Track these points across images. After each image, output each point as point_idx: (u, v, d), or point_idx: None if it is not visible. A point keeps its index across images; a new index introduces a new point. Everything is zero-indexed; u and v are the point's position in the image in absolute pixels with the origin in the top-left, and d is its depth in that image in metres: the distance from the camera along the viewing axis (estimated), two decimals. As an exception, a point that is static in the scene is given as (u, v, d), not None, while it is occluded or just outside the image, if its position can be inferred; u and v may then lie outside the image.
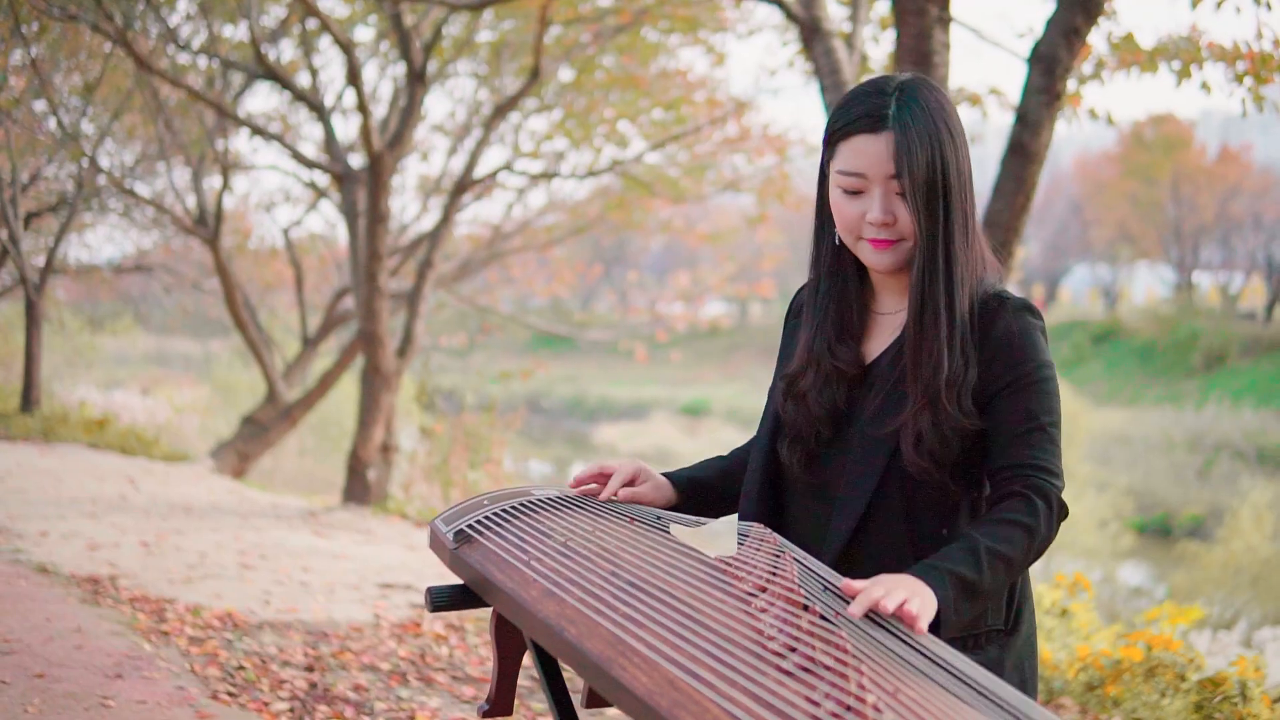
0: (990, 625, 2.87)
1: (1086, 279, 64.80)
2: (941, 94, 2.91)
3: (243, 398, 26.39)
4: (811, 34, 8.13)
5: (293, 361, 20.07)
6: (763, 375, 53.17)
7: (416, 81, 12.92)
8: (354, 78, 12.73)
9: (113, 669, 6.53)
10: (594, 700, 3.01)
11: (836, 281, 3.04)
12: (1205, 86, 10.40)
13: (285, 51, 17.09)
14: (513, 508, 3.03)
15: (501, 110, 14.16)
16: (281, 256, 22.17)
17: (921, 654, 2.24)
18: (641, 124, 17.81)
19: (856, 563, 2.80)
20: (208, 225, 17.07)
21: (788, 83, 24.53)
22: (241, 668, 6.84)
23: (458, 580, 3.01)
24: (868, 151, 2.86)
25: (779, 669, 2.13)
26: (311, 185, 19.07)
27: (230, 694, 6.37)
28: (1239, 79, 9.97)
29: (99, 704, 5.93)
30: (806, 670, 2.13)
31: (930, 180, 2.82)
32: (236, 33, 15.91)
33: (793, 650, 2.20)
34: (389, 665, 7.22)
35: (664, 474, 3.26)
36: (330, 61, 20.46)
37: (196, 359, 39.69)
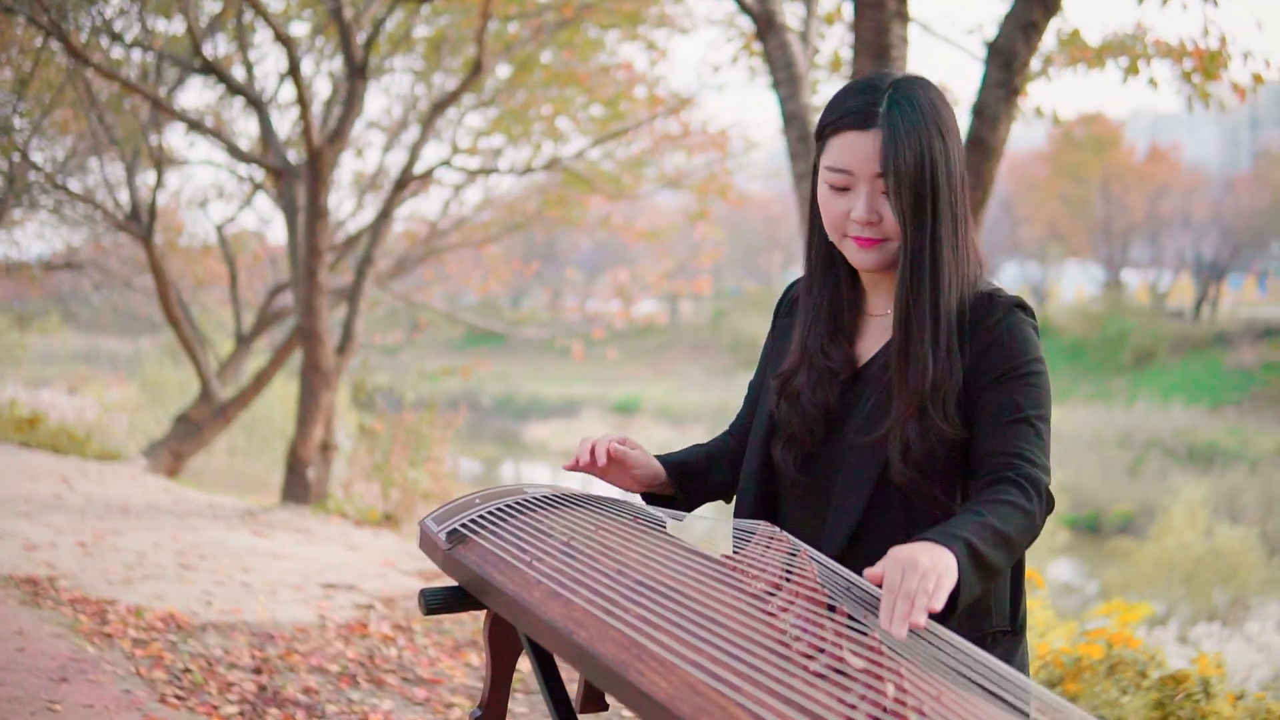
0: (996, 626, 2.81)
1: (1016, 277, 65.13)
2: (937, 92, 2.85)
3: (172, 396, 26.11)
4: (766, 27, 8.07)
5: (226, 360, 19.87)
6: (694, 372, 53.36)
7: (357, 75, 12.76)
8: (294, 71, 12.59)
9: (57, 672, 6.40)
10: (589, 704, 2.91)
11: (829, 280, 3.00)
12: (1153, 83, 10.42)
13: (220, 46, 16.86)
14: (507, 506, 2.92)
15: (442, 105, 14.05)
16: (214, 253, 21.92)
17: (956, 655, 2.15)
18: (580, 120, 17.72)
19: (853, 567, 2.72)
20: (141, 221, 16.82)
21: (731, 78, 24.53)
22: (188, 670, 6.72)
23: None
24: (855, 148, 2.80)
25: (807, 670, 2.04)
26: (249, 180, 18.89)
27: (178, 697, 6.25)
28: (1186, 76, 9.99)
29: (45, 708, 5.79)
30: (837, 673, 2.04)
31: (918, 181, 2.75)
32: (170, 26, 15.70)
33: (820, 651, 2.11)
34: (338, 667, 7.12)
35: (657, 456, 3.19)
36: (265, 56, 20.25)
37: (125, 357, 39.27)
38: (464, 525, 2.85)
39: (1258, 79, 9.57)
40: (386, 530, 12.20)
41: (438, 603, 2.84)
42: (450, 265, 22.53)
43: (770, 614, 2.27)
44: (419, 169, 16.28)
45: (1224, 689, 6.16)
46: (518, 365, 55.10)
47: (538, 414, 50.70)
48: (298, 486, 13.21)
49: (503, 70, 16.75)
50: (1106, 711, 6.35)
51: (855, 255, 2.86)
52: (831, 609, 2.28)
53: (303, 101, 12.61)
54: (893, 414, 2.77)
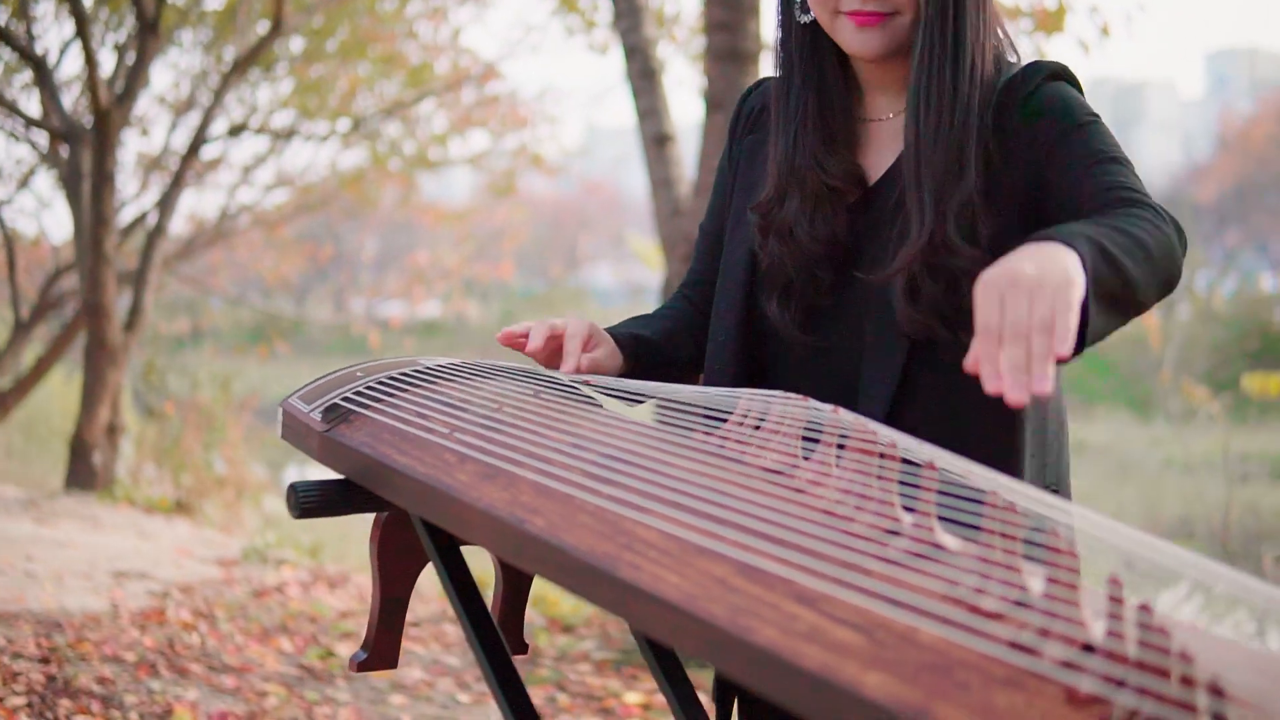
0: (1049, 483, 2.18)
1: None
2: None
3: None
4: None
5: (3, 348, 18.85)
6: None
7: (148, 32, 11.93)
8: (81, 26, 11.74)
9: None
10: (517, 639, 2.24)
11: (813, 74, 2.28)
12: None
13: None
14: (401, 375, 2.20)
15: (242, 64, 13.19)
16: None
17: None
18: (380, 93, 17.10)
19: None
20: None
21: (543, 41, 24.05)
22: (-31, 661, 6.03)
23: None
24: None
25: (885, 555, 1.41)
26: (33, 146, 17.81)
27: (-41, 689, 5.58)
28: (1030, 35, 9.81)
29: None
30: (933, 549, 1.42)
31: None
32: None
33: (897, 522, 1.48)
34: (135, 656, 6.47)
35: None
36: (46, 31, 19.20)
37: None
38: (346, 399, 2.14)
39: (1105, 31, 9.30)
40: (180, 518, 11.49)
41: (313, 500, 2.07)
42: (240, 250, 21.68)
43: (800, 489, 1.62)
44: (211, 141, 15.48)
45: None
46: (303, 369, 53.89)
47: (321, 419, 49.79)
48: (83, 472, 12.36)
49: (296, 44, 16.04)
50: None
51: (853, 38, 2.18)
52: (912, 464, 1.56)
53: (89, 59, 11.75)
54: (909, 254, 2.10)
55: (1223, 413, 14.11)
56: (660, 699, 6.20)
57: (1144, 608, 1.17)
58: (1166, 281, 1.92)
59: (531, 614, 7.61)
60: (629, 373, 2.37)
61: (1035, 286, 1.58)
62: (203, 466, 12.47)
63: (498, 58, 16.94)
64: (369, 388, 2.15)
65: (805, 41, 2.28)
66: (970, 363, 1.59)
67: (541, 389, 2.12)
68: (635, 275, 58.71)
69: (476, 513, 1.69)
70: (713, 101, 6.59)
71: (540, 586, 6.81)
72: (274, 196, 19.31)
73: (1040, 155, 2.12)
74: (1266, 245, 53.17)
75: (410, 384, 2.16)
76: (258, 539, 10.04)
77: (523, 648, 2.29)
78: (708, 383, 2.34)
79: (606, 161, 69.67)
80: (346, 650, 6.93)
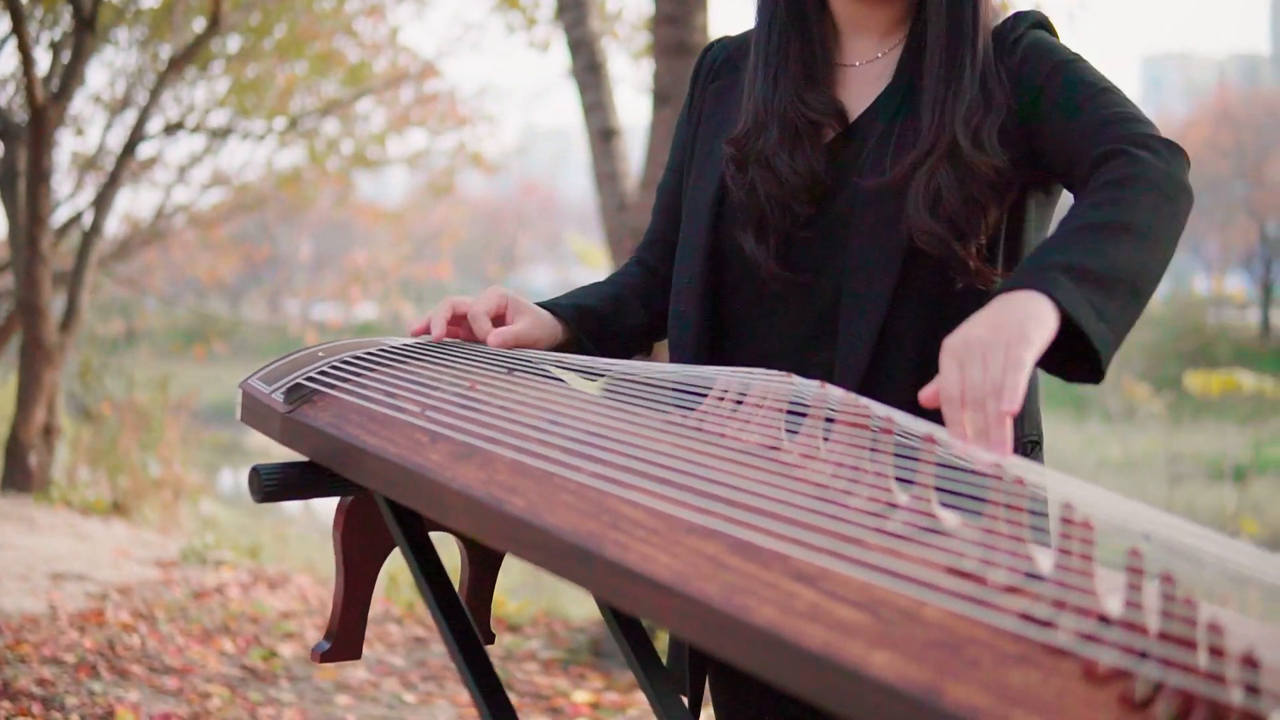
0: (1028, 435, 2.18)
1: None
2: None
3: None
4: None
5: (-64, 351, 18.64)
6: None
7: (85, 29, 11.80)
8: (16, 23, 11.55)
9: None
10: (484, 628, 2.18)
11: (795, 16, 2.26)
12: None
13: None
14: (366, 355, 2.12)
15: (177, 63, 13.05)
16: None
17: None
18: (318, 91, 16.98)
19: (880, 385, 2.04)
20: None
21: (483, 39, 23.99)
22: (-95, 663, 5.94)
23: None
24: None
25: (885, 529, 1.36)
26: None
27: (-103, 691, 5.49)
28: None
29: None
30: (931, 529, 1.37)
31: None
32: None
33: (895, 499, 1.43)
34: (74, 657, 6.39)
35: (540, 304, 2.38)
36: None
37: None
38: (309, 379, 2.07)
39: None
40: (117, 519, 11.36)
41: (275, 484, 2.00)
42: (175, 251, 21.50)
43: (792, 465, 1.57)
44: (147, 139, 15.31)
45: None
46: (239, 370, 53.33)
47: (259, 421, 49.38)
48: (19, 474, 12.19)
49: (233, 42, 15.91)
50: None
51: None
52: (927, 439, 1.49)
53: (25, 57, 11.58)
54: (918, 158, 2.09)
55: (1165, 411, 14.17)
56: (609, 697, 6.16)
57: (1167, 579, 1.13)
58: (1172, 222, 1.91)
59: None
60: (574, 345, 2.34)
61: (986, 348, 1.65)
62: (139, 468, 12.31)
63: (437, 55, 16.88)
64: (333, 367, 2.08)
65: None
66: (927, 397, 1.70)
67: (514, 367, 2.06)
68: (574, 276, 58.64)
69: (451, 493, 1.63)
70: (660, 95, 6.51)
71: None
72: (210, 196, 19.15)
73: (1030, 93, 2.11)
74: (1199, 247, 53.51)
75: (376, 364, 2.09)
76: (196, 540, 9.93)
77: (490, 637, 2.23)
78: (674, 327, 2.32)
79: (544, 162, 69.68)
80: (289, 651, 6.85)
